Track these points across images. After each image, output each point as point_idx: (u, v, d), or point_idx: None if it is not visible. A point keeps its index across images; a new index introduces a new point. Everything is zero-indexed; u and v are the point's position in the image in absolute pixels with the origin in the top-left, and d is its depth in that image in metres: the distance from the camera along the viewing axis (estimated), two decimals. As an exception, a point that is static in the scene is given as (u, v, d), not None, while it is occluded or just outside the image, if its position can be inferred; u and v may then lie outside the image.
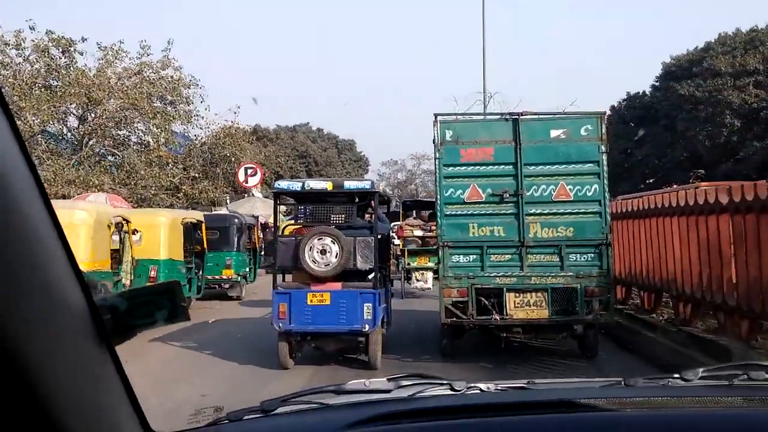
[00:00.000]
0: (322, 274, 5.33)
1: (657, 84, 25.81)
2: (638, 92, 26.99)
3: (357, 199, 5.68)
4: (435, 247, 10.20)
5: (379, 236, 5.63)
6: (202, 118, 19.45)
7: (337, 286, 5.34)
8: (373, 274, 5.51)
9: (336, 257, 5.31)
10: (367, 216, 6.45)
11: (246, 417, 1.08)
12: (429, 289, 10.05)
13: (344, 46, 78.34)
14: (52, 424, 0.59)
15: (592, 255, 5.36)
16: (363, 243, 5.39)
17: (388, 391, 1.15)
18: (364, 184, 5.69)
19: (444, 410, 1.06)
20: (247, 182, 18.57)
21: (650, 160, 25.49)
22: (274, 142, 39.71)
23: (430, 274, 10.17)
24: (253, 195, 19.90)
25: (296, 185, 5.69)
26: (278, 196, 5.82)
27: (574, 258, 5.35)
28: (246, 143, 21.23)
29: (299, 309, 5.25)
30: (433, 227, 10.86)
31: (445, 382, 1.17)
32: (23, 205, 0.56)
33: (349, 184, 5.59)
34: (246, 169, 18.56)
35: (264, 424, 1.08)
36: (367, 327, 5.15)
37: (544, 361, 5.58)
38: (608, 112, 28.22)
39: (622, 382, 1.15)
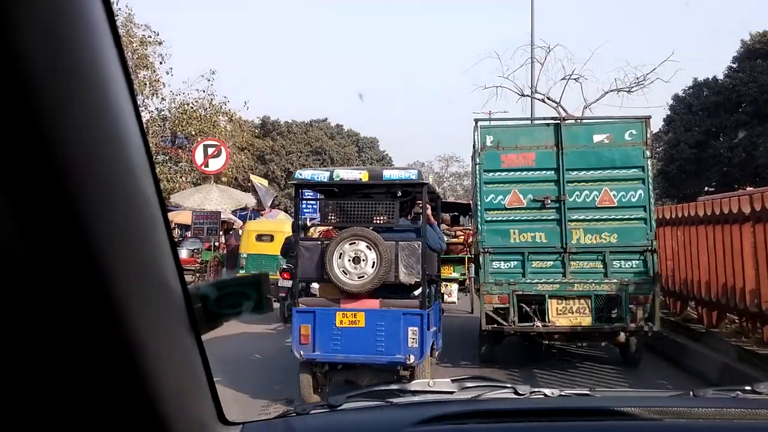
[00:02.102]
0: (355, 288, 5.07)
1: (735, 66, 26.18)
2: (707, 78, 27.29)
3: (400, 194, 5.39)
4: (460, 255, 11.20)
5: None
6: (164, 85, 17.82)
7: (374, 303, 5.12)
8: (420, 290, 5.23)
9: (373, 267, 5.03)
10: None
11: (313, 411, 1.32)
12: (454, 303, 10.25)
13: (366, 30, 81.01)
14: (147, 400, 0.72)
15: (637, 262, 6.26)
16: (408, 249, 5.10)
17: (451, 393, 1.39)
18: (410, 174, 5.22)
19: (509, 413, 1.26)
20: (207, 165, 15.44)
21: (737, 154, 25.05)
22: (285, 136, 41.26)
23: (454, 287, 10.38)
24: (213, 182, 17.15)
25: (323, 175, 5.34)
26: (300, 188, 5.61)
27: (618, 265, 6.27)
28: (223, 117, 18.93)
29: (326, 332, 5.05)
30: (458, 233, 11.81)
31: (509, 385, 1.39)
32: (141, 186, 0.68)
33: (391, 174, 5.22)
34: (206, 148, 15.19)
35: (331, 418, 1.31)
36: (411, 358, 4.87)
37: (586, 370, 6.53)
38: (671, 102, 28.04)
39: (691, 393, 1.34)
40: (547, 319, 6.22)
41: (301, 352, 5.04)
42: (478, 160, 6.54)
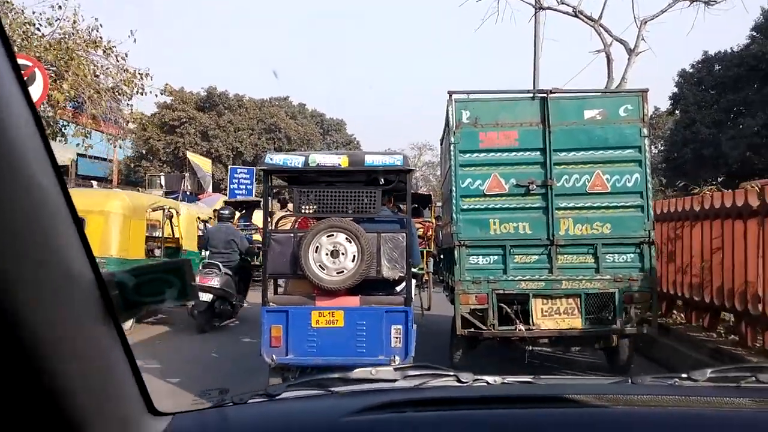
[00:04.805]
0: (334, 285, 5.41)
1: (758, 35, 26.88)
2: (719, 52, 28.01)
3: (382, 182, 5.79)
4: (420, 249, 11.52)
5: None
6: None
7: (354, 301, 5.49)
8: (403, 285, 5.68)
9: (353, 261, 5.42)
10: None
11: (250, 400, 1.47)
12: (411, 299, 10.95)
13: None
14: (58, 397, 0.78)
15: (633, 255, 6.54)
16: (391, 242, 5.51)
17: (393, 381, 1.60)
18: (395, 160, 5.62)
19: (449, 401, 1.44)
20: None
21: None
22: (234, 111, 41.15)
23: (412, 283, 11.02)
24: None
25: (297, 160, 5.63)
26: (270, 174, 5.87)
27: (612, 259, 6.55)
28: (97, 52, 15.11)
29: (300, 333, 5.37)
30: (417, 225, 12.20)
31: (451, 373, 1.61)
32: (29, 163, 0.72)
33: (373, 159, 5.56)
34: None
35: (268, 408, 1.46)
36: (396, 359, 5.25)
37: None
38: (677, 79, 28.20)
39: (629, 380, 1.60)
40: (531, 322, 6.45)
41: (273, 356, 5.34)
42: (453, 139, 6.70)
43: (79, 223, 0.85)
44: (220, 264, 10.29)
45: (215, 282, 10.01)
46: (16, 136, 0.71)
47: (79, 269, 0.85)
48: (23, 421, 0.79)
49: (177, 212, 12.42)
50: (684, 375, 1.59)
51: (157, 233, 12.31)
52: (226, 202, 19.19)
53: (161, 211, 11.73)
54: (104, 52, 15.23)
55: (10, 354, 0.72)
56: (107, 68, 15.31)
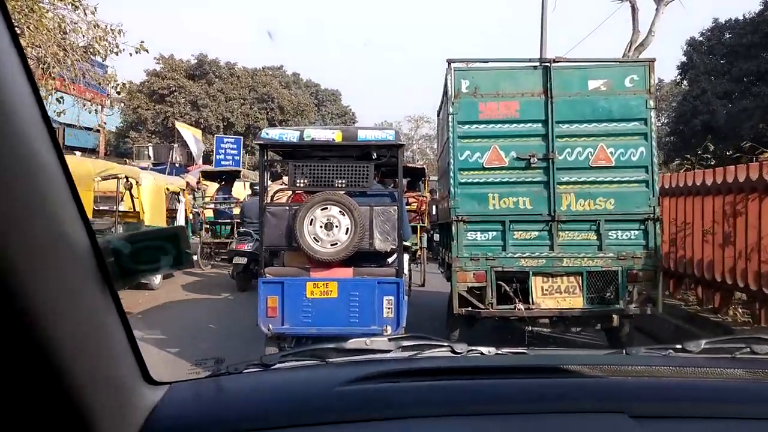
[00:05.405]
0: (328, 256, 5.74)
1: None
2: (729, 19, 27.73)
3: (374, 156, 6.09)
4: (412, 224, 11.59)
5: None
6: None
7: (347, 272, 5.81)
8: (395, 257, 6.02)
9: (347, 234, 5.74)
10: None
11: (246, 370, 1.52)
12: (405, 274, 11.14)
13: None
14: (52, 364, 0.79)
15: (637, 232, 6.48)
16: (383, 215, 5.82)
17: (388, 351, 1.65)
18: (386, 135, 5.89)
19: (443, 371, 1.47)
20: None
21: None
22: (225, 80, 40.84)
23: (405, 257, 11.10)
24: None
25: (292, 135, 5.86)
26: (265, 149, 6.10)
27: (615, 236, 6.49)
28: (63, 3, 13.54)
29: (296, 304, 5.69)
30: (411, 200, 12.41)
31: (446, 344, 1.66)
32: (26, 129, 0.73)
33: (366, 134, 5.82)
34: None
35: (263, 378, 1.52)
36: (388, 329, 5.56)
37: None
38: (685, 47, 28.00)
39: (624, 352, 1.66)
40: (530, 301, 6.42)
41: (270, 326, 5.69)
42: (451, 110, 6.60)
43: (75, 189, 0.86)
44: (252, 232, 11.81)
45: (248, 247, 11.73)
46: (15, 104, 0.72)
47: (75, 236, 0.86)
48: (18, 387, 0.80)
49: (138, 182, 11.61)
50: (678, 346, 1.63)
51: (115, 207, 11.27)
52: (203, 172, 19.16)
53: (115, 180, 10.74)
54: (72, 4, 13.74)
55: (3, 319, 0.72)
56: (76, 23, 13.90)
